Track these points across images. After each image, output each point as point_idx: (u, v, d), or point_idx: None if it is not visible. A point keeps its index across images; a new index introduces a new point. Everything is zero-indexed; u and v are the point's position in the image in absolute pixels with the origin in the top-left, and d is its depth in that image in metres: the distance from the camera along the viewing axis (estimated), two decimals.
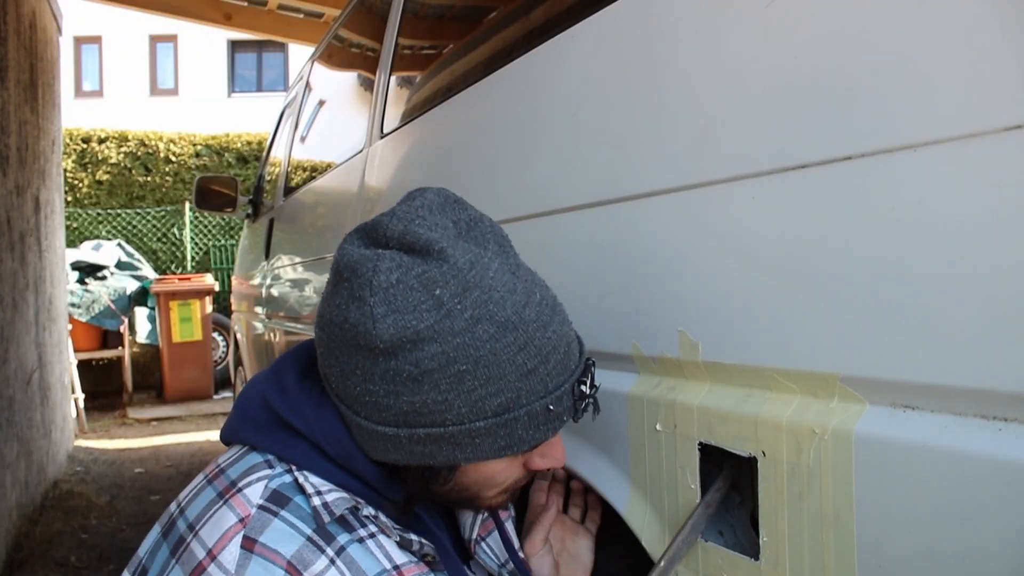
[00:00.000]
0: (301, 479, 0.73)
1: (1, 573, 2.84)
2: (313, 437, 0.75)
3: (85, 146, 8.23)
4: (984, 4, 0.54)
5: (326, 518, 0.70)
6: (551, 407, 0.73)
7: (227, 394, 6.53)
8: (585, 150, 0.99)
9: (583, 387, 0.76)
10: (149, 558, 0.75)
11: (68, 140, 7.93)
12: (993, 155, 0.53)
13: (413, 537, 0.77)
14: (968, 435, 0.56)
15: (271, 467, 0.74)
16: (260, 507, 0.70)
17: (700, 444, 0.81)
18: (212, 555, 0.68)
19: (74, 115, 8.65)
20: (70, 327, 5.62)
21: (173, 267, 8.37)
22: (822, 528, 0.67)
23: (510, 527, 0.94)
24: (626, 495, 0.92)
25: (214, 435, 5.51)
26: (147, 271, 7.35)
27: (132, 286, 6.93)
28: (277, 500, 0.71)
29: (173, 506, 0.78)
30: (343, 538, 0.71)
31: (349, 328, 0.69)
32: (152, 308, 6.88)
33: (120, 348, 6.78)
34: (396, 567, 0.72)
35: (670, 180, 0.84)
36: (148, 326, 6.91)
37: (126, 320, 6.76)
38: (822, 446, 0.66)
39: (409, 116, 1.67)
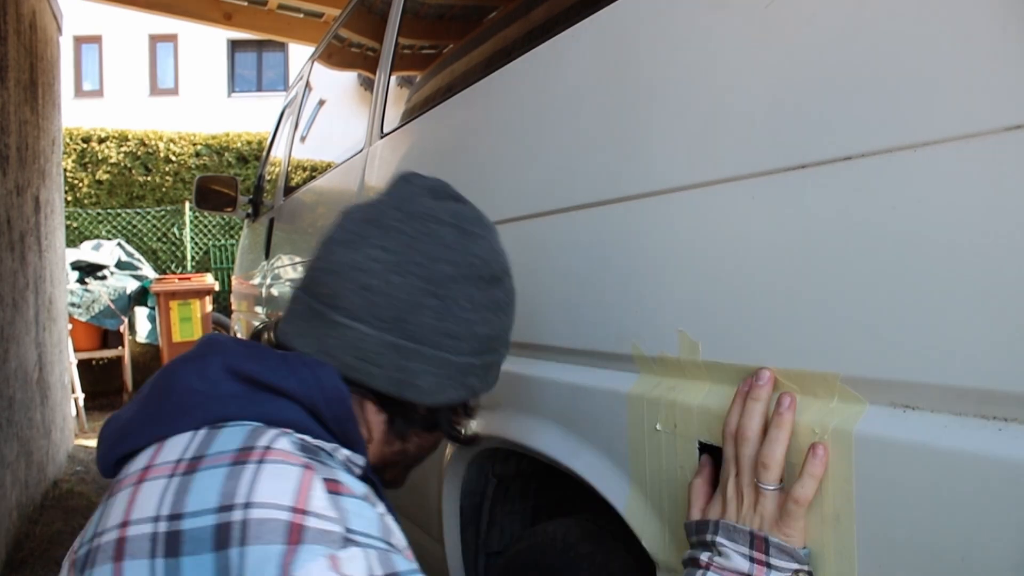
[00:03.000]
0: (307, 440, 0.67)
1: (1, 573, 2.83)
2: (308, 396, 0.69)
3: (85, 146, 8.23)
4: (984, 4, 0.54)
5: (356, 469, 0.71)
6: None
7: None
8: (585, 150, 0.99)
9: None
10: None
11: (68, 140, 7.93)
12: (993, 155, 0.53)
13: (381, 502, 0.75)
14: (968, 435, 0.56)
15: (267, 431, 0.64)
16: (308, 456, 0.63)
17: (700, 444, 0.81)
18: (301, 511, 0.57)
19: (74, 115, 8.65)
20: (70, 327, 5.62)
21: (173, 267, 8.36)
22: (822, 527, 0.67)
23: None
24: (626, 495, 0.92)
25: None
26: (147, 271, 7.35)
27: (132, 286, 6.92)
28: (310, 452, 0.64)
29: (145, 527, 0.59)
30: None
31: (474, 261, 0.78)
32: (152, 308, 6.87)
33: (120, 348, 6.78)
34: (404, 546, 0.66)
35: (670, 180, 0.84)
36: (148, 326, 6.90)
37: (126, 320, 6.76)
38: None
39: (409, 116, 1.67)
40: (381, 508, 0.66)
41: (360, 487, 0.65)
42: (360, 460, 0.73)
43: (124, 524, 0.60)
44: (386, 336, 0.73)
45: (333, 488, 0.60)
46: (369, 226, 0.78)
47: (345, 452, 0.71)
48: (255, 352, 0.72)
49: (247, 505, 0.58)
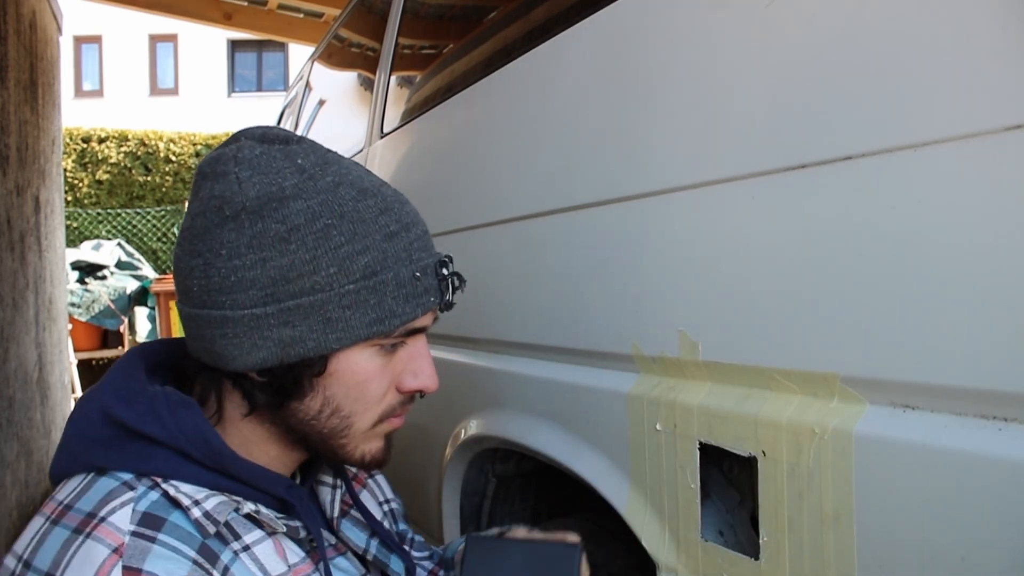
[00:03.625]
0: (172, 491, 0.66)
1: None
2: (174, 442, 0.68)
3: (85, 146, 8.23)
4: (984, 4, 0.54)
5: (211, 528, 0.65)
6: (417, 274, 0.72)
7: None
8: (585, 150, 0.99)
9: (444, 270, 0.74)
10: None
11: (68, 140, 7.93)
12: (993, 155, 0.53)
13: (298, 523, 0.73)
14: (968, 435, 0.56)
15: (132, 488, 0.66)
16: (133, 534, 0.63)
17: (700, 444, 0.81)
18: None
19: (74, 115, 8.65)
20: (70, 327, 5.62)
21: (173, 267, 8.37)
22: (822, 528, 0.67)
23: (368, 497, 0.91)
24: (626, 495, 0.92)
25: None
26: (147, 271, 7.34)
27: (132, 286, 6.92)
28: (151, 523, 0.64)
29: (11, 561, 0.65)
30: (226, 556, 0.66)
31: (214, 203, 0.68)
32: (152, 308, 6.87)
33: (120, 348, 6.77)
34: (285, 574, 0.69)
35: (670, 180, 0.84)
36: (148, 326, 6.90)
37: (126, 320, 6.76)
38: (822, 446, 0.66)
39: (409, 116, 1.67)
40: None
41: (178, 572, 0.62)
42: (228, 508, 0.68)
43: (8, 551, 0.67)
44: (184, 308, 0.72)
45: None
46: None
47: (208, 504, 0.67)
48: (130, 390, 0.71)
49: None
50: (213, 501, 0.67)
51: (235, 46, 14.98)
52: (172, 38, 14.54)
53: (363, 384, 0.73)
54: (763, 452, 0.73)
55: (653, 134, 0.87)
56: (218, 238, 0.68)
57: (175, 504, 0.66)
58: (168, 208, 8.35)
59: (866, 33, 0.63)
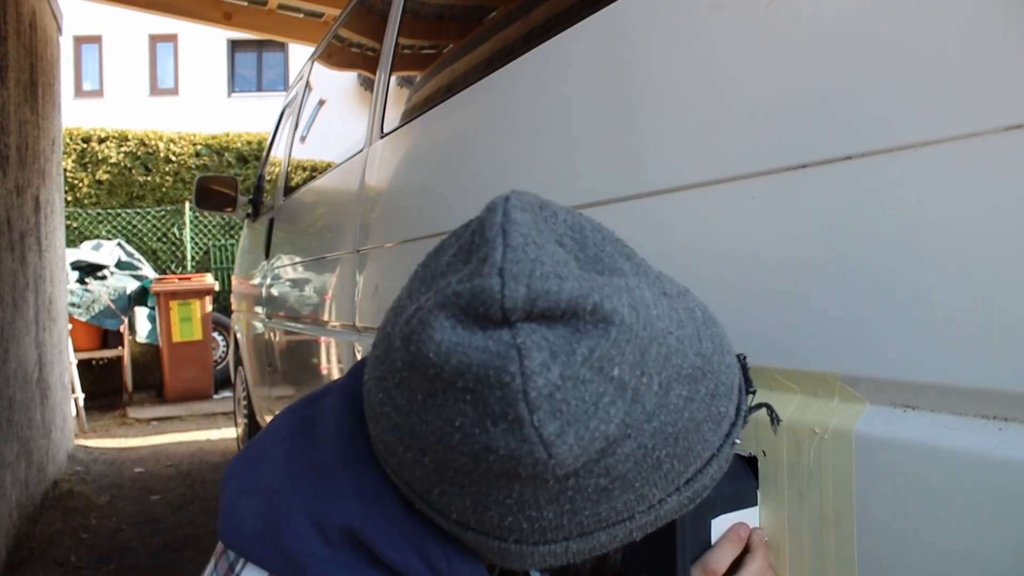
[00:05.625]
0: None
1: (1, 573, 2.83)
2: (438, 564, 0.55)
3: (85, 146, 8.23)
4: (984, 4, 0.54)
5: None
6: (736, 440, 0.57)
7: (227, 394, 6.52)
8: (584, 150, 0.99)
9: (752, 393, 0.61)
10: None
11: (68, 140, 7.93)
12: (993, 155, 0.53)
13: None
14: (968, 435, 0.56)
15: None
16: None
17: None
18: None
19: (74, 115, 8.65)
20: (70, 327, 5.62)
21: (173, 267, 8.36)
22: (822, 527, 0.67)
23: None
24: None
25: (214, 434, 5.52)
26: (147, 271, 7.35)
27: (132, 286, 6.92)
28: None
29: None
30: None
31: (498, 460, 0.47)
32: (152, 308, 6.87)
33: (120, 348, 6.78)
34: None
35: (670, 180, 0.84)
36: (148, 326, 6.90)
37: (126, 320, 6.76)
38: (822, 446, 0.66)
39: (409, 116, 1.67)
40: None
41: None
42: None
43: None
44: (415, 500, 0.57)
45: None
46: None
47: None
48: (390, 515, 0.56)
49: None
50: None
51: (235, 46, 14.97)
52: (172, 38, 14.54)
53: None
54: (763, 452, 0.73)
55: (653, 134, 0.87)
56: (502, 491, 0.49)
57: None
58: (168, 208, 8.34)
59: (866, 33, 0.63)
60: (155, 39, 14.63)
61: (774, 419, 0.69)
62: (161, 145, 8.45)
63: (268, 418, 3.45)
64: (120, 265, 7.22)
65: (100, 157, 8.28)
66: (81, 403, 5.72)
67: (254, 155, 8.58)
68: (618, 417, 0.47)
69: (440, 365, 0.46)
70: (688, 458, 0.53)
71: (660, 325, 0.50)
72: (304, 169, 2.88)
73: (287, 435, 0.62)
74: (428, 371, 0.47)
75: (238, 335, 4.16)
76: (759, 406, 0.64)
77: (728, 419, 0.56)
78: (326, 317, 2.18)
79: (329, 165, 2.40)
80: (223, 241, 8.52)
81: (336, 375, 2.11)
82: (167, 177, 8.45)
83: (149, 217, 8.30)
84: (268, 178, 3.76)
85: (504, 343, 0.45)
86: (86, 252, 7.06)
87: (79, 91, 14.29)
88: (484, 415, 0.46)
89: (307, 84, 3.16)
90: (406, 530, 0.55)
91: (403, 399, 0.51)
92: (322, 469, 0.58)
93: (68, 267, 5.96)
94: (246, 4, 4.98)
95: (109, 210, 8.19)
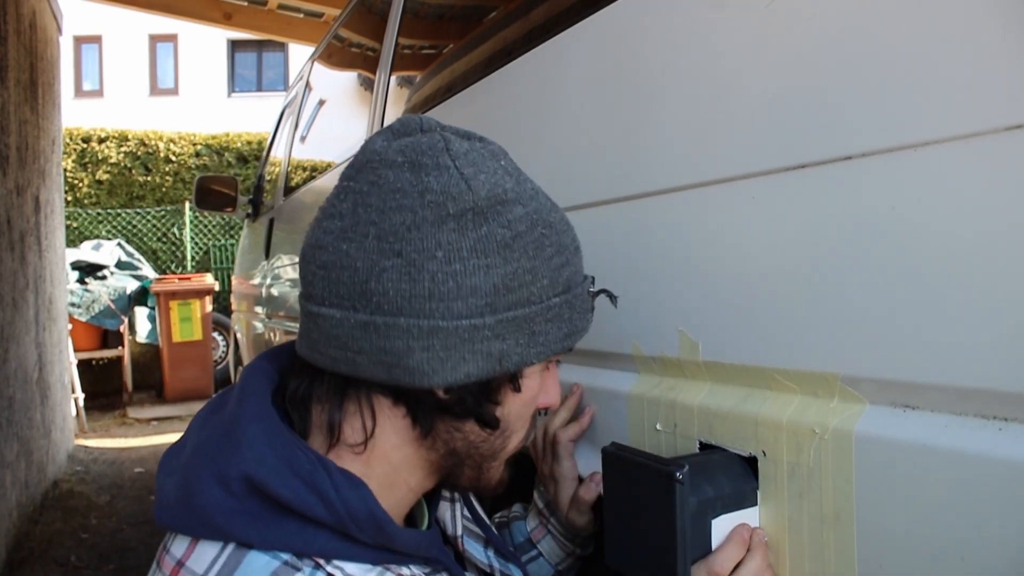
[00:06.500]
0: (338, 573, 0.61)
1: (1, 573, 2.83)
2: (340, 526, 0.62)
3: (85, 146, 8.23)
4: (984, 4, 0.54)
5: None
6: (591, 290, 0.72)
7: None
8: (585, 150, 0.99)
9: (593, 286, 0.75)
10: None
11: (68, 140, 7.93)
12: (993, 155, 0.53)
13: (444, 574, 0.71)
14: (968, 435, 0.56)
15: (297, 569, 0.60)
16: None
17: (700, 444, 0.81)
18: None
19: (74, 115, 8.65)
20: (70, 327, 5.62)
21: (173, 267, 8.36)
22: (822, 527, 0.67)
23: (480, 506, 0.87)
24: None
25: None
26: (147, 271, 7.35)
27: (132, 286, 6.92)
28: None
29: None
30: None
31: (431, 198, 0.61)
32: (152, 308, 6.88)
33: (120, 348, 6.78)
34: None
35: (670, 180, 0.84)
36: (148, 326, 6.91)
37: (126, 320, 6.76)
38: (822, 446, 0.66)
39: None
40: None
41: None
42: (400, 560, 0.65)
43: None
44: (355, 315, 0.62)
45: None
46: (329, 196, 0.69)
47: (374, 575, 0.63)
48: (280, 458, 0.63)
49: None
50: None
51: (235, 46, 14.98)
52: (172, 38, 14.54)
53: (530, 403, 0.71)
54: (763, 452, 0.73)
55: (653, 134, 0.87)
56: (432, 237, 0.61)
57: None
58: (168, 208, 8.35)
59: (866, 33, 0.63)
60: (155, 39, 14.63)
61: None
62: (161, 145, 8.45)
63: None
64: (120, 265, 7.23)
65: (100, 157, 8.28)
66: (81, 403, 5.72)
67: (254, 155, 8.58)
68: (510, 183, 0.65)
69: (382, 152, 0.65)
70: (561, 255, 0.67)
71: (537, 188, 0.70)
72: (304, 169, 2.89)
73: (201, 417, 0.71)
74: (372, 164, 0.65)
75: (238, 335, 4.16)
76: (600, 292, 0.75)
77: (581, 259, 0.72)
78: None
79: (329, 165, 2.40)
80: (223, 241, 8.52)
81: None
82: (167, 177, 8.45)
83: (149, 217, 8.30)
84: (268, 178, 3.76)
85: (435, 135, 0.66)
86: (86, 252, 7.07)
87: (79, 91, 14.29)
88: (419, 172, 0.63)
89: (307, 84, 3.16)
90: (296, 468, 0.62)
91: (347, 204, 0.65)
92: (224, 431, 0.65)
93: (68, 267, 5.96)
94: (246, 4, 4.99)
95: (109, 210, 8.19)
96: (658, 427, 0.86)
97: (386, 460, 0.68)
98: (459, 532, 0.81)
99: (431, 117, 0.70)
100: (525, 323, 0.64)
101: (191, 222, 8.37)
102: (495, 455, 0.72)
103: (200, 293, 6.67)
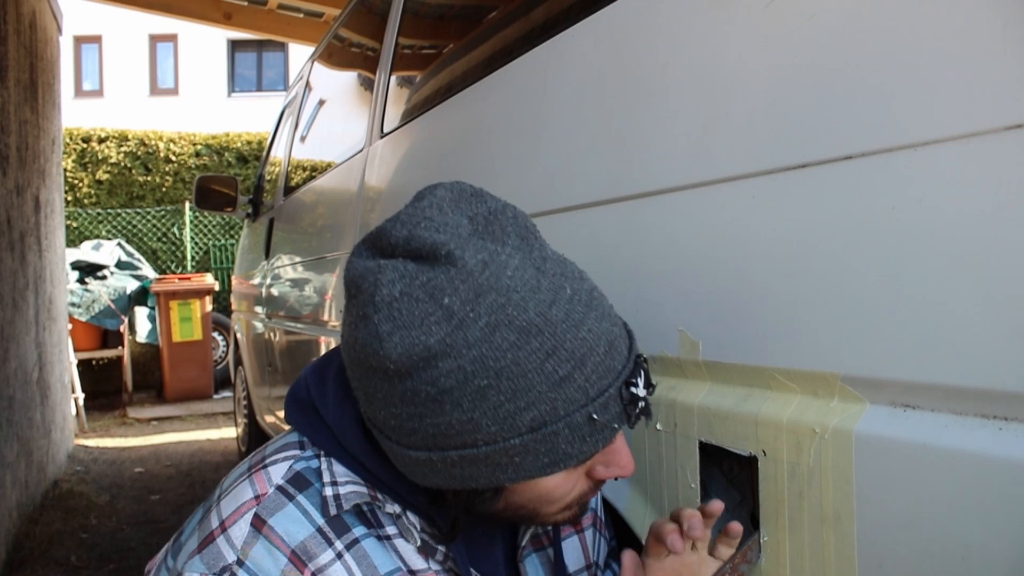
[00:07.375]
0: (325, 465, 0.71)
1: (1, 573, 2.84)
2: (331, 425, 0.72)
3: (85, 146, 8.23)
4: (984, 4, 0.54)
5: (333, 510, 0.67)
6: (595, 416, 0.63)
7: (227, 394, 6.52)
8: (585, 150, 0.99)
9: (633, 389, 0.65)
10: (189, 522, 0.75)
11: (68, 140, 7.93)
12: (993, 155, 0.53)
13: (440, 548, 0.72)
14: (968, 435, 0.56)
15: (302, 448, 0.73)
16: (278, 487, 0.69)
17: (700, 443, 0.81)
18: (224, 527, 0.67)
19: (74, 115, 8.65)
20: (70, 327, 5.62)
21: (173, 267, 8.36)
22: (822, 527, 0.67)
23: (573, 545, 0.84)
24: (626, 495, 0.92)
25: (214, 434, 5.52)
26: (147, 271, 7.35)
27: (132, 286, 6.92)
28: (297, 483, 0.70)
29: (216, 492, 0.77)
30: (359, 531, 0.69)
31: (360, 349, 0.62)
32: (152, 308, 6.88)
33: (120, 348, 6.78)
34: (411, 571, 0.69)
35: (670, 180, 0.84)
36: (148, 326, 6.91)
37: (126, 320, 6.76)
38: (822, 445, 0.66)
39: (409, 116, 1.67)
40: (325, 559, 0.67)
41: (297, 535, 0.67)
42: (358, 499, 0.69)
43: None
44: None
45: (257, 525, 0.67)
46: None
47: (343, 489, 0.69)
48: (327, 372, 0.75)
49: (218, 502, 0.71)
50: (349, 488, 0.69)
51: (235, 46, 14.98)
52: (172, 38, 14.54)
53: (548, 494, 0.69)
54: (763, 452, 0.73)
55: (653, 134, 0.87)
56: (371, 382, 0.64)
57: (320, 476, 0.70)
58: (168, 208, 8.34)
59: (866, 33, 0.63)
60: (155, 39, 14.63)
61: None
62: (161, 145, 8.44)
63: (268, 418, 3.45)
64: (120, 265, 7.22)
65: (100, 157, 8.27)
66: (81, 403, 5.72)
67: (254, 155, 8.58)
68: (439, 335, 0.59)
69: (344, 276, 0.65)
70: (517, 400, 0.60)
71: (507, 282, 0.60)
72: (304, 169, 2.89)
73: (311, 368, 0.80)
74: (344, 282, 0.66)
75: (238, 335, 4.16)
76: (642, 400, 0.67)
77: (576, 386, 0.62)
78: (326, 317, 2.18)
79: (329, 165, 2.40)
80: (223, 241, 8.52)
81: None
82: (167, 177, 8.45)
83: (149, 217, 8.29)
84: (268, 178, 3.76)
85: (376, 265, 0.62)
86: (86, 252, 7.06)
87: (79, 91, 14.29)
88: (357, 315, 0.62)
89: (307, 84, 3.16)
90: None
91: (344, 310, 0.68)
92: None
93: (68, 267, 5.96)
94: (246, 4, 4.99)
95: (109, 210, 8.19)
96: (658, 427, 0.86)
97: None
98: (523, 543, 0.79)
99: (409, 215, 0.64)
100: (479, 459, 0.63)
101: (191, 222, 8.37)
102: (533, 518, 0.71)
103: (200, 293, 6.67)
